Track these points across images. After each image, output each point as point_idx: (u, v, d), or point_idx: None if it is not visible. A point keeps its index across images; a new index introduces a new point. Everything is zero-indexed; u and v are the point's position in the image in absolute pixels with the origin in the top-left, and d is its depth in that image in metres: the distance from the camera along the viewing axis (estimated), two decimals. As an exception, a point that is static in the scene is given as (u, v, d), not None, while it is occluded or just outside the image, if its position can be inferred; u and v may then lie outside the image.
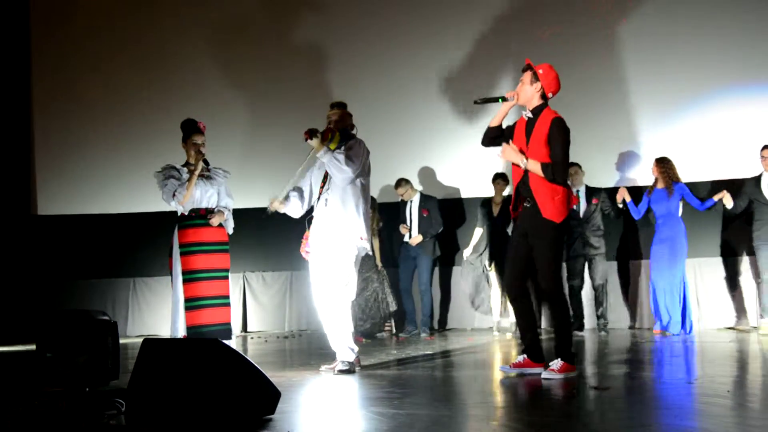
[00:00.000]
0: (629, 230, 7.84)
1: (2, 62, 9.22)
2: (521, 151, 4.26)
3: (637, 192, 7.31)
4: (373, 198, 7.93)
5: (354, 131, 4.94)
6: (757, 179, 6.92)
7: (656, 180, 7.09)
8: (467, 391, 4.03)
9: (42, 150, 9.26)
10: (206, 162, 5.34)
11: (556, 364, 4.15)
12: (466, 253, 7.87)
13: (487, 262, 7.77)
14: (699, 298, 7.58)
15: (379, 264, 7.76)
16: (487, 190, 7.92)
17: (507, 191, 7.79)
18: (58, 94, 9.26)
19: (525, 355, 4.33)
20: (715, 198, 6.92)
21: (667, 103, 7.88)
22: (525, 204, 4.28)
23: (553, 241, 4.20)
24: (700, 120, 7.77)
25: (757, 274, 7.09)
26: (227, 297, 5.26)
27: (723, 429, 2.76)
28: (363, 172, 4.80)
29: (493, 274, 7.73)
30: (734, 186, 7.09)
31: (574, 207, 7.11)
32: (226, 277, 5.28)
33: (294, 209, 4.95)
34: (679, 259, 6.87)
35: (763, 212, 6.81)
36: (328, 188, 4.81)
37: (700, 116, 7.77)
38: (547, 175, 4.17)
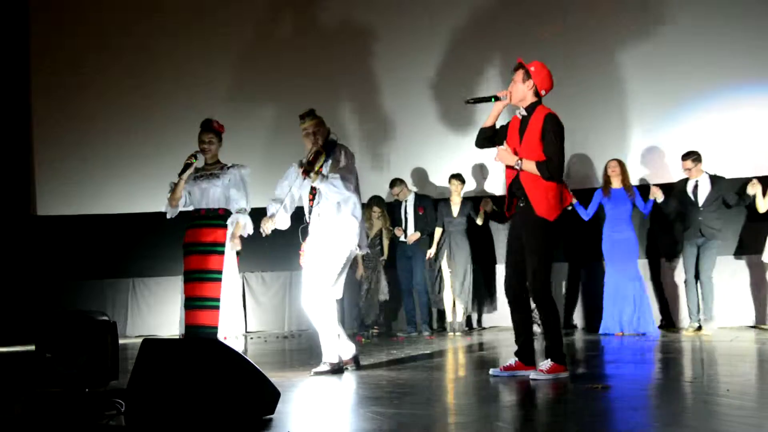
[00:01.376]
0: (584, 233, 7.69)
1: (2, 62, 9.22)
2: (515, 153, 4.24)
3: (582, 194, 7.33)
4: (380, 198, 7.99)
5: (333, 137, 4.87)
6: (683, 182, 7.08)
7: (610, 180, 7.13)
8: (466, 391, 4.03)
9: (42, 150, 9.25)
10: (187, 166, 5.11)
11: (546, 364, 4.12)
12: (430, 253, 7.87)
13: (444, 262, 7.77)
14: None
15: (385, 254, 7.97)
16: (479, 191, 7.95)
17: (463, 190, 7.91)
18: (58, 93, 9.25)
19: (516, 358, 4.31)
20: (651, 197, 7.04)
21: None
22: (519, 204, 4.26)
23: (545, 240, 4.17)
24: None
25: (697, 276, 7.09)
26: (217, 299, 5.08)
27: (720, 428, 2.77)
28: (354, 180, 4.77)
29: (447, 275, 7.74)
30: (666, 188, 7.17)
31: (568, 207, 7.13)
32: (218, 280, 5.10)
33: (282, 222, 4.86)
34: (635, 258, 7.02)
35: (691, 213, 6.96)
36: (319, 202, 4.76)
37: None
38: (543, 173, 4.13)
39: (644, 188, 7.31)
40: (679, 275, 7.44)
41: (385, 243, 7.99)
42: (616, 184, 7.11)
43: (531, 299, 4.24)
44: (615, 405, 3.40)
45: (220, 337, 5.06)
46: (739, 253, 7.49)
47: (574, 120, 7.74)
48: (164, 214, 5.28)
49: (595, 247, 7.38)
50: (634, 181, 7.54)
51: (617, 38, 8.07)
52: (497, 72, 8.14)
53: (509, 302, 4.38)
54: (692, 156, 7.00)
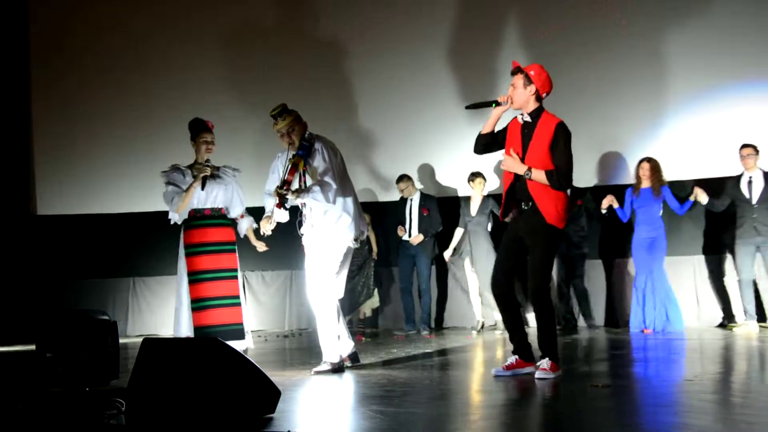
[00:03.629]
0: (612, 229, 7.70)
1: (1, 62, 9.22)
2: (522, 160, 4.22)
3: (617, 192, 7.30)
4: None
5: (307, 133, 4.76)
6: (737, 178, 6.97)
7: (640, 180, 7.12)
8: (466, 390, 4.04)
9: (42, 150, 9.25)
10: (202, 166, 5.23)
11: (546, 363, 4.13)
12: (447, 254, 7.82)
13: (467, 265, 7.73)
14: (698, 296, 7.60)
15: (374, 252, 8.10)
16: (486, 189, 7.93)
17: (486, 190, 7.80)
18: (58, 93, 9.25)
19: (516, 356, 4.31)
20: (691, 198, 6.99)
21: (651, 103, 7.85)
22: (523, 207, 4.24)
23: (552, 246, 4.22)
24: (682, 120, 7.76)
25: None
26: (237, 297, 5.17)
27: (720, 427, 2.77)
28: (339, 175, 4.68)
29: (472, 277, 7.69)
30: (713, 185, 7.11)
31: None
32: (235, 277, 5.20)
33: (280, 216, 4.80)
34: (662, 257, 6.97)
35: (744, 210, 6.85)
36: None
37: (682, 116, 7.75)
38: (553, 183, 4.12)
39: (675, 184, 7.24)
40: (730, 274, 7.40)
41: (372, 238, 8.00)
42: (646, 184, 7.08)
43: (528, 299, 4.27)
44: (611, 402, 3.40)
45: (247, 332, 5.16)
46: None
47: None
48: (164, 213, 5.30)
49: (621, 244, 7.40)
50: (612, 180, 7.49)
51: (612, 38, 8.05)
52: (503, 71, 8.06)
53: (496, 298, 4.39)
54: (752, 146, 6.86)
